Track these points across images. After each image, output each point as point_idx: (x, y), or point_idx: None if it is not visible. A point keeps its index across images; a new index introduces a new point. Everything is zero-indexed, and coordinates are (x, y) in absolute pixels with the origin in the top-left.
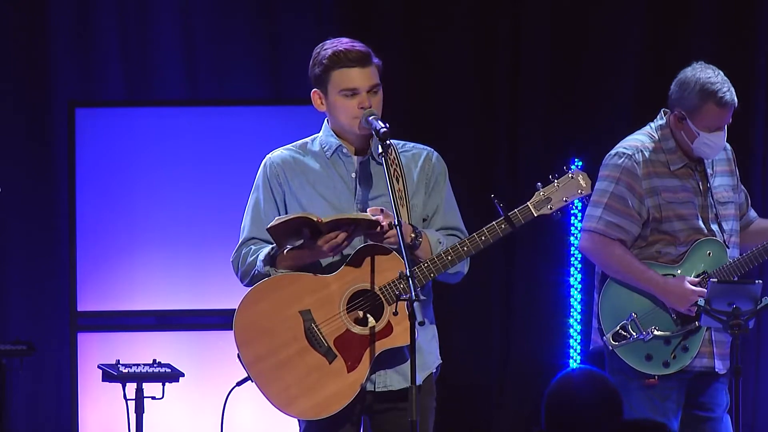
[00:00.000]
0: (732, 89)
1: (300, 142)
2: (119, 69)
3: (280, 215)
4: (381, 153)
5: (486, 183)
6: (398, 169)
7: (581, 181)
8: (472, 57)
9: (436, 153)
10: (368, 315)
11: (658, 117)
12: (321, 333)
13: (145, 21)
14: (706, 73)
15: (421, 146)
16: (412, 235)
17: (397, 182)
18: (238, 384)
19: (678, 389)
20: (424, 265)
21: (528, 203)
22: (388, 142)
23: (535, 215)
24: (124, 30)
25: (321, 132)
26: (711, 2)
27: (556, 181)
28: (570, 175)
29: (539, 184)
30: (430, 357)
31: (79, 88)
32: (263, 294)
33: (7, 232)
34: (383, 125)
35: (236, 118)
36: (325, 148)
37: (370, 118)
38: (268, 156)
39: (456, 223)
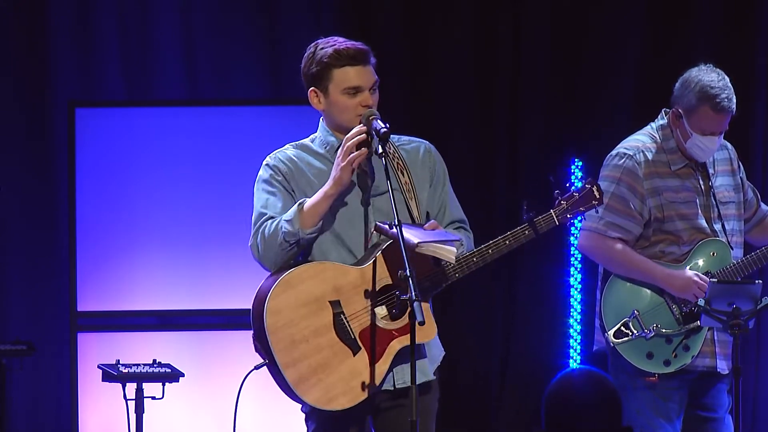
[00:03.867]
0: (732, 97)
1: (299, 142)
2: (119, 69)
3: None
4: (381, 153)
5: (486, 183)
6: (401, 163)
7: (595, 192)
8: (472, 57)
9: (433, 146)
10: (395, 310)
11: (659, 117)
12: (349, 325)
13: (145, 21)
14: (709, 76)
15: (417, 139)
16: None
17: (403, 176)
18: (256, 368)
19: (681, 389)
20: (450, 265)
21: (552, 211)
22: (383, 142)
23: (557, 223)
24: (124, 30)
25: (318, 131)
26: (711, 2)
27: (575, 192)
28: (587, 186)
29: (557, 192)
30: (437, 348)
31: (79, 88)
32: (293, 282)
33: (7, 232)
34: (383, 125)
35: (236, 118)
36: (327, 147)
37: (371, 118)
38: (270, 156)
39: (461, 216)
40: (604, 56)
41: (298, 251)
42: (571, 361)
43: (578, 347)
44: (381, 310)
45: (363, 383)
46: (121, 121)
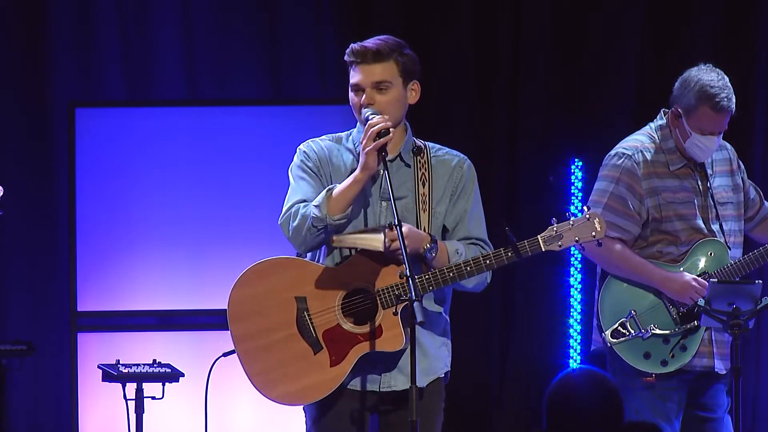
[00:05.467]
0: (732, 96)
1: (335, 135)
2: (119, 69)
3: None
4: (384, 154)
5: (486, 183)
6: (425, 174)
7: (596, 224)
8: (472, 57)
9: (468, 161)
10: (362, 314)
11: (657, 117)
12: (312, 323)
13: (145, 21)
14: (709, 76)
15: (455, 152)
16: (426, 246)
17: (423, 186)
18: (224, 355)
19: (679, 390)
20: (424, 276)
21: (538, 237)
22: (423, 146)
23: (543, 250)
24: (124, 30)
25: (356, 128)
26: (711, 2)
27: (571, 219)
28: (586, 217)
29: (554, 219)
30: (437, 362)
31: (79, 88)
32: (263, 273)
33: (7, 232)
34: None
35: (236, 118)
36: (356, 145)
37: (369, 116)
38: (304, 143)
39: (480, 234)
40: (604, 56)
41: (326, 237)
42: (571, 361)
43: (578, 347)
44: (348, 312)
45: (320, 384)
46: (121, 121)
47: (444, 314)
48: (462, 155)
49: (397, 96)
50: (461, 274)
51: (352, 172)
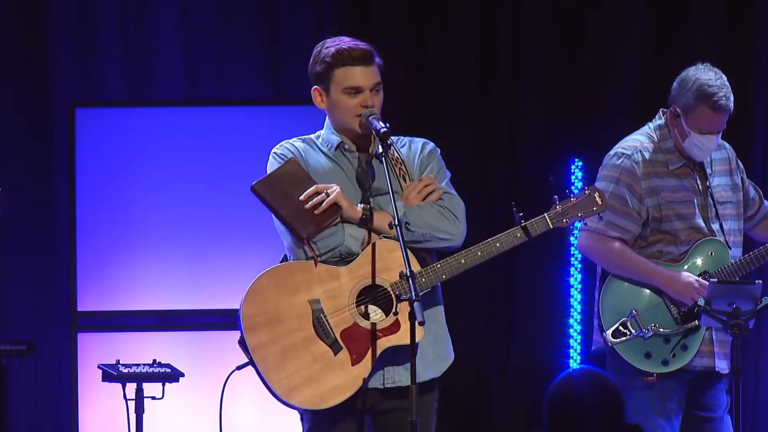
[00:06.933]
0: (730, 95)
1: (306, 137)
2: (119, 69)
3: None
4: (381, 152)
5: (486, 183)
6: (403, 168)
7: (597, 199)
8: (472, 57)
9: (432, 144)
10: (377, 310)
11: (656, 117)
12: (329, 324)
13: (145, 21)
14: (707, 75)
15: (417, 139)
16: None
17: (405, 182)
18: (238, 368)
19: (679, 389)
20: (437, 265)
21: (545, 215)
22: (389, 141)
23: (551, 227)
24: (124, 30)
25: (323, 129)
26: (711, 2)
27: (573, 196)
28: (587, 192)
29: (556, 197)
30: (435, 363)
31: (79, 88)
32: (273, 279)
33: (7, 232)
34: (383, 125)
35: (236, 118)
36: (328, 146)
37: (371, 118)
38: (277, 146)
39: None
40: (604, 56)
41: None
42: (571, 361)
43: (578, 347)
44: (363, 310)
45: (344, 384)
46: (121, 121)
47: (440, 313)
48: (423, 139)
49: (382, 96)
50: (473, 259)
51: (328, 173)
